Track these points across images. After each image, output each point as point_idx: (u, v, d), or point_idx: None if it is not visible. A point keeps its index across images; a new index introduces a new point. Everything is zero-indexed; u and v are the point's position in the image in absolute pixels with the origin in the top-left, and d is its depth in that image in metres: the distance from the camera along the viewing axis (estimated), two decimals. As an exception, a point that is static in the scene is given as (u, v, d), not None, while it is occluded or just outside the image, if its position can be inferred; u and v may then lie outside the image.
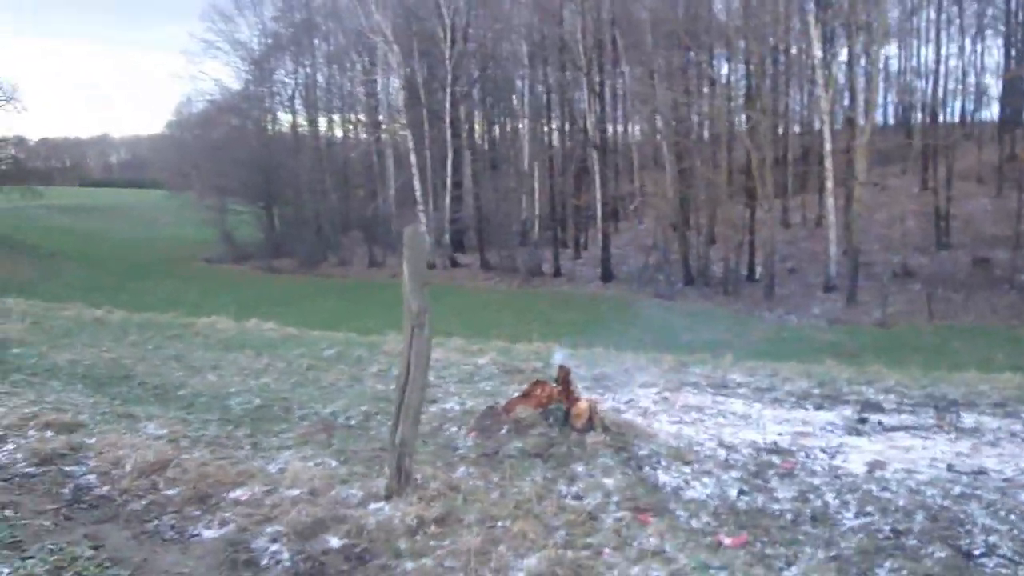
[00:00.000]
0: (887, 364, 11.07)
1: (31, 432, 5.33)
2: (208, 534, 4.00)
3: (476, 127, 58.30)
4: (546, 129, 54.31)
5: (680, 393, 8.29)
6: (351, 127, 65.14)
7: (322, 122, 66.08)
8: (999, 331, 28.81)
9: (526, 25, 51.47)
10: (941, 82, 44.61)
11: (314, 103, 65.25)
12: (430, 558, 3.63)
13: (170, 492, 4.45)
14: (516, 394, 6.99)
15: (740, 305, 35.12)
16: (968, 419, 7.54)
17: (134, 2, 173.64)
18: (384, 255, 53.16)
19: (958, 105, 49.11)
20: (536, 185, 49.07)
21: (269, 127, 68.21)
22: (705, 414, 7.39)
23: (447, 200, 50.54)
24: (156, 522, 4.14)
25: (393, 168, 54.88)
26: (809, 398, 8.45)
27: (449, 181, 50.39)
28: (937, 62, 43.93)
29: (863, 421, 7.26)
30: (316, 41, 63.55)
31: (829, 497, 5.00)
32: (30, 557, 3.57)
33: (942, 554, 4.12)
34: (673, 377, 9.24)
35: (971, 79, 47.12)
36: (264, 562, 3.70)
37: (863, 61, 37.73)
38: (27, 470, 4.76)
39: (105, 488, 4.55)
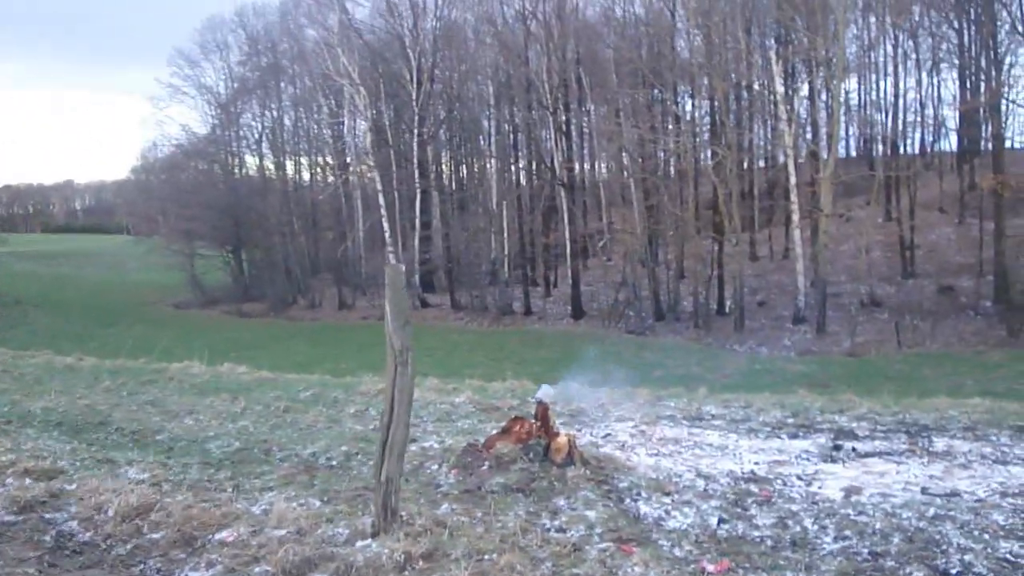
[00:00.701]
0: (858, 393, 11.22)
1: (9, 480, 5.30)
2: (195, 576, 4.01)
3: (444, 168, 58.63)
4: (513, 168, 54.71)
5: (656, 426, 8.36)
6: (319, 170, 65.29)
7: (289, 165, 66.19)
8: (967, 357, 29.18)
9: (491, 65, 52.09)
10: (900, 115, 45.66)
11: (281, 146, 65.37)
12: (419, 593, 3.66)
13: (155, 536, 4.45)
14: (494, 431, 7.04)
15: (711, 339, 35.36)
16: (939, 443, 7.67)
17: (96, 48, 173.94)
18: (354, 297, 53.08)
19: (918, 136, 50.20)
20: (505, 224, 49.32)
21: (237, 171, 68.19)
22: (682, 446, 7.46)
23: (416, 241, 50.66)
24: (142, 566, 4.14)
25: (361, 210, 55.01)
26: (783, 428, 8.55)
27: (418, 222, 50.53)
28: (896, 95, 45.00)
29: (838, 448, 7.37)
30: (283, 84, 63.76)
31: (807, 523, 5.08)
32: (16, 605, 3.56)
33: (920, 574, 4.21)
34: (649, 411, 9.31)
35: (929, 111, 48.25)
36: (253, 603, 3.72)
37: (824, 96, 38.55)
38: (7, 518, 4.73)
39: (88, 534, 4.54)
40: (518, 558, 3.90)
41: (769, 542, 4.74)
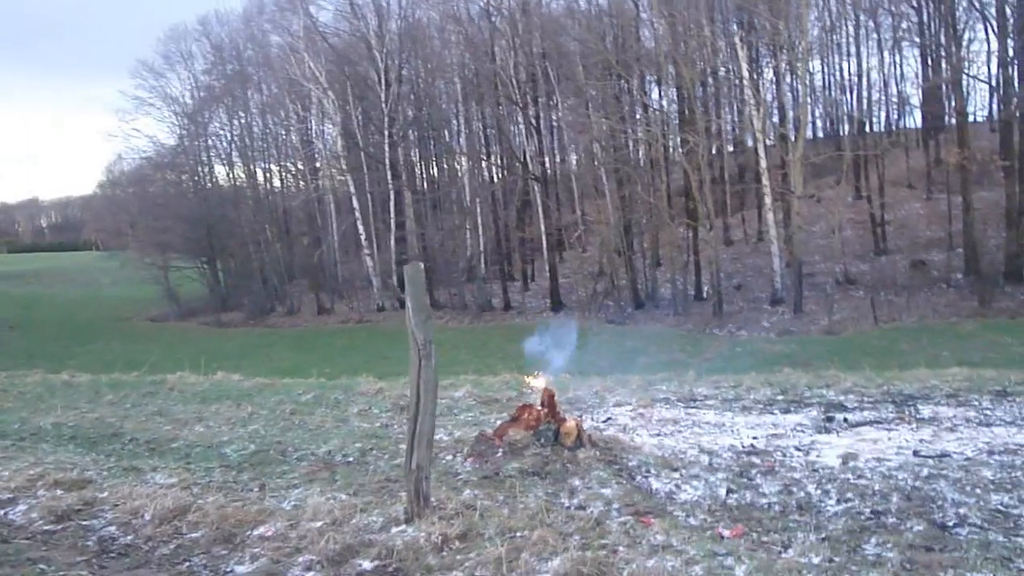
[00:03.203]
0: (839, 369, 11.57)
1: (40, 492, 5.47)
2: (241, 570, 4.21)
3: (416, 167, 58.66)
4: (486, 165, 54.85)
5: (653, 408, 8.64)
6: (290, 176, 65.08)
7: (260, 173, 65.86)
8: (942, 329, 29.74)
9: (458, 63, 52.13)
10: (865, 94, 46.22)
11: (251, 154, 64.98)
12: (460, 570, 3.89)
13: (195, 535, 4.65)
14: (499, 421, 7.29)
15: (691, 324, 35.71)
16: (925, 410, 8.01)
17: (56, 63, 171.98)
18: (332, 301, 53.02)
19: (883, 115, 50.81)
20: (480, 221, 49.45)
21: (207, 181, 67.76)
22: (681, 425, 7.74)
23: (392, 242, 50.63)
24: (187, 563, 4.34)
25: (335, 214, 54.92)
26: (775, 404, 8.85)
27: (393, 223, 50.48)
28: (859, 75, 45.52)
29: (830, 420, 7.68)
30: (249, 92, 63.39)
31: (811, 488, 5.37)
32: (79, 603, 3.76)
33: (920, 527, 4.49)
34: (643, 395, 9.57)
35: (892, 90, 48.88)
36: (303, 588, 3.94)
37: (789, 78, 38.98)
38: (46, 527, 4.91)
39: (129, 537, 4.72)
40: (548, 533, 4.14)
41: (777, 507, 5.02)
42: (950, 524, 4.60)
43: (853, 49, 46.56)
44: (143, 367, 14.77)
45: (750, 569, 3.66)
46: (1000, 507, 4.85)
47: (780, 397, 9.23)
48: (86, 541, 4.70)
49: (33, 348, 43.94)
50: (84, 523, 4.97)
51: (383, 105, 49.36)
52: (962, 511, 4.78)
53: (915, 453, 6.19)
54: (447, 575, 3.87)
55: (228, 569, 4.23)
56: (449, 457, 6.43)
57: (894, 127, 51.76)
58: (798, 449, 6.52)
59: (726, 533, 4.47)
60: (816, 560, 3.88)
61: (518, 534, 4.18)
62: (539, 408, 6.69)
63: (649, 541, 4.13)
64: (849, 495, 5.16)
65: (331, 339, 42.32)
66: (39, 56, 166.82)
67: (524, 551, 3.96)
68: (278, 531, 4.55)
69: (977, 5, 37.32)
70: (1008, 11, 35.34)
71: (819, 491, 5.30)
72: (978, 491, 5.15)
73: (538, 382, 7.20)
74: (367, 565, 4.06)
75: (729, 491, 5.39)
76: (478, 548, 4.04)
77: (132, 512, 4.99)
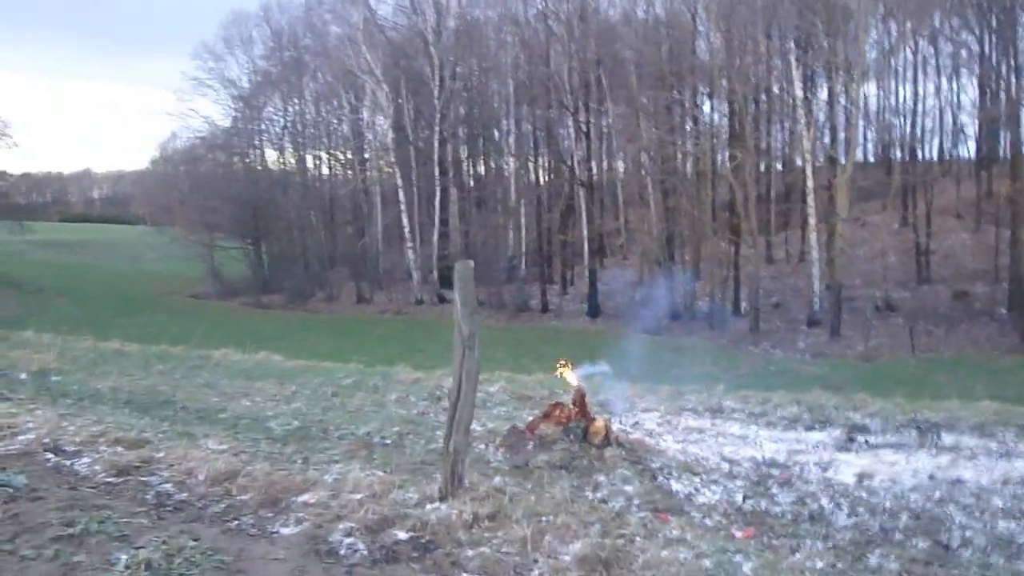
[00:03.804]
0: (871, 395, 11.70)
1: (102, 448, 5.87)
2: (286, 531, 4.56)
3: (463, 165, 59.15)
4: (532, 167, 55.18)
5: (680, 417, 8.91)
6: (338, 164, 65.92)
7: (309, 159, 66.81)
8: (980, 362, 29.54)
9: (512, 64, 52.51)
10: (919, 120, 45.92)
11: (302, 141, 65.94)
12: (488, 546, 4.20)
13: (244, 497, 5.01)
14: (531, 417, 7.63)
15: (726, 340, 35.78)
16: (948, 439, 8.18)
17: (117, 38, 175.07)
18: (372, 291, 53.65)
19: (936, 143, 50.42)
20: (523, 222, 49.84)
21: (257, 164, 68.83)
22: (706, 435, 8.00)
23: (435, 237, 51.14)
24: (237, 522, 4.69)
25: (380, 205, 55.50)
26: (800, 421, 9.06)
27: (437, 218, 51.01)
28: (915, 101, 45.27)
29: (851, 440, 7.90)
30: (305, 79, 64.31)
31: (824, 501, 5.62)
32: (141, 547, 4.12)
33: (924, 545, 4.75)
34: (672, 404, 9.84)
35: (948, 117, 48.49)
36: (343, 552, 4.27)
37: (843, 100, 38.84)
38: (109, 479, 5.30)
39: (183, 495, 5.10)
40: (571, 520, 4.45)
41: (789, 516, 5.29)
42: (954, 545, 4.84)
43: (910, 74, 46.36)
44: (188, 341, 15.27)
45: (756, 566, 3.93)
46: (1005, 533, 5.08)
47: (806, 415, 9.43)
48: (145, 495, 5.08)
49: (79, 316, 44.92)
50: (142, 479, 5.35)
51: (435, 101, 49.88)
52: (968, 534, 5.02)
53: (930, 477, 6.41)
54: (476, 550, 4.19)
55: (274, 530, 4.59)
56: (482, 447, 6.75)
57: (947, 155, 51.33)
58: (816, 465, 6.77)
59: (738, 534, 4.75)
60: (820, 564, 4.15)
61: (543, 518, 4.49)
62: (570, 407, 7.02)
63: (665, 535, 4.42)
64: (860, 510, 5.41)
65: (368, 328, 42.89)
66: (99, 30, 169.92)
67: (548, 534, 4.27)
68: (320, 499, 4.90)
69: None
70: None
71: (832, 504, 5.56)
72: (986, 517, 5.37)
73: (569, 374, 7.53)
74: (402, 535, 4.39)
75: (745, 497, 5.67)
76: (505, 528, 4.36)
77: (186, 472, 5.36)
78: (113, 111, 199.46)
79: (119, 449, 5.84)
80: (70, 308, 48.48)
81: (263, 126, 67.94)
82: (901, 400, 11.01)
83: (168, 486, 5.24)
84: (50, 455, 5.72)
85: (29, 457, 5.62)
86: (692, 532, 4.57)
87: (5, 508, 4.61)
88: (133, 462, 5.57)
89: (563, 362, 7.84)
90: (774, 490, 5.88)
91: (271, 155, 68.67)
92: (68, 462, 5.61)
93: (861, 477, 6.30)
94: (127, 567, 3.89)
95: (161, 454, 5.75)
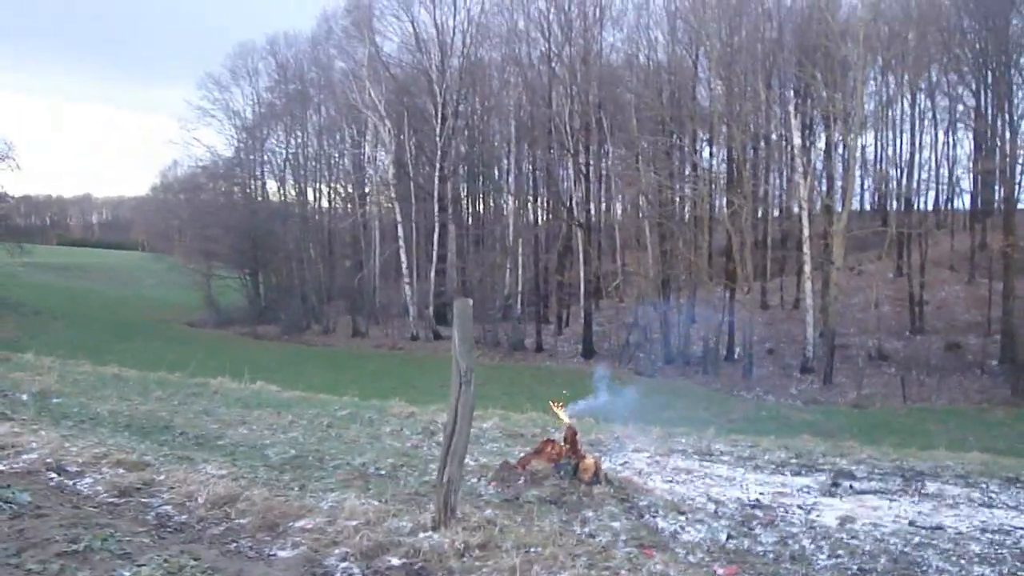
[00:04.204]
0: (861, 443, 11.85)
1: (104, 469, 6.03)
2: (283, 554, 4.71)
3: (462, 202, 59.56)
4: (531, 207, 55.58)
5: (670, 458, 9.06)
6: (339, 198, 66.32)
7: (310, 192, 67.26)
8: (971, 413, 29.71)
9: (515, 105, 53.08)
10: (915, 172, 46.43)
11: (303, 173, 66.41)
12: (478, 574, 4.36)
13: (242, 521, 5.16)
14: (522, 453, 7.79)
15: (719, 384, 35.92)
16: (932, 486, 8.34)
17: (122, 66, 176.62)
18: (367, 325, 53.77)
19: (932, 194, 50.93)
20: (520, 261, 50.10)
21: (258, 195, 69.24)
22: (694, 476, 8.15)
23: (432, 273, 51.37)
24: (235, 544, 4.85)
25: (379, 240, 55.79)
26: (787, 466, 9.21)
27: (435, 254, 51.28)
28: (912, 152, 45.80)
29: (836, 485, 8.05)
30: (308, 112, 64.96)
31: (805, 542, 5.78)
32: (143, 565, 4.27)
33: (901, 586, 4.90)
34: (662, 445, 9.99)
35: (944, 170, 49.06)
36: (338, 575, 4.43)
37: (840, 149, 39.33)
38: (111, 500, 5.46)
39: (183, 516, 5.25)
40: (559, 552, 4.60)
41: (771, 556, 5.44)
42: (930, 587, 5.00)
43: (908, 126, 46.94)
44: (185, 369, 15.39)
45: (736, 600, 4.09)
46: (980, 577, 5.24)
47: (794, 460, 9.58)
48: (146, 515, 5.23)
49: (76, 339, 44.98)
50: (143, 500, 5.51)
51: (437, 138, 50.36)
52: (943, 577, 5.17)
53: (911, 523, 6.56)
54: (466, 577, 4.35)
55: (271, 553, 4.74)
56: (474, 480, 6.91)
57: (942, 207, 51.84)
58: (800, 507, 6.92)
59: (720, 572, 4.90)
60: (798, 601, 4.31)
61: (532, 549, 4.64)
62: (561, 444, 7.20)
63: (649, 569, 4.57)
64: (840, 552, 5.57)
65: (363, 362, 42.97)
66: (107, 57, 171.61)
67: (536, 564, 4.42)
68: (317, 525, 5.05)
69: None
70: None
71: (813, 546, 5.71)
72: (963, 562, 5.52)
73: (562, 412, 7.71)
74: (396, 561, 4.54)
75: (729, 536, 5.82)
76: (495, 557, 4.51)
77: (186, 495, 5.52)
78: (115, 137, 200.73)
79: (120, 471, 6.00)
80: (68, 331, 48.56)
81: (265, 157, 68.59)
82: (889, 448, 11.15)
83: (168, 508, 5.40)
84: (53, 475, 5.89)
85: (33, 476, 5.78)
86: (676, 567, 4.71)
87: (11, 524, 4.77)
88: (134, 484, 5.73)
89: (558, 402, 8.01)
90: (757, 530, 6.04)
91: (272, 186, 69.22)
92: (71, 482, 5.77)
93: (843, 520, 6.45)
94: (130, 583, 4.04)
95: (162, 477, 5.91)
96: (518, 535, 4.86)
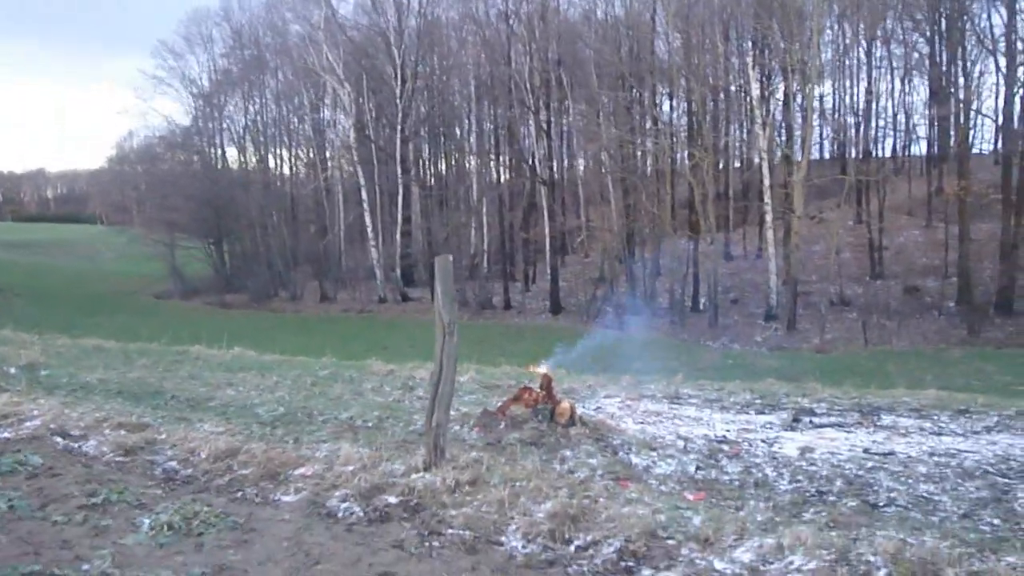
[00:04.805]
0: (824, 385, 12.37)
1: (107, 431, 6.35)
2: (287, 499, 5.09)
3: (425, 163, 59.56)
4: (494, 165, 55.75)
5: (640, 402, 9.51)
6: (300, 164, 66.06)
7: (271, 158, 66.88)
8: (930, 354, 30.52)
9: (474, 63, 53.00)
10: (873, 120, 47.14)
11: (263, 139, 65.98)
12: (469, 507, 4.76)
13: (245, 472, 5.52)
14: (499, 402, 8.20)
15: (686, 335, 36.57)
16: (887, 419, 8.86)
17: (74, 37, 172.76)
18: (335, 290, 53.89)
19: (889, 142, 51.74)
20: (485, 220, 50.38)
21: (218, 163, 68.73)
22: (663, 417, 8.61)
23: (397, 235, 51.56)
24: (241, 492, 5.21)
25: (342, 204, 55.75)
26: (751, 406, 9.70)
27: (399, 217, 51.43)
28: (868, 101, 46.43)
29: (797, 420, 8.55)
30: (265, 78, 64.38)
31: (768, 471, 6.25)
32: (160, 513, 4.62)
33: (853, 503, 5.38)
34: (632, 391, 10.44)
35: (901, 117, 49.83)
36: (341, 514, 4.81)
37: (799, 99, 39.84)
38: (118, 459, 5.80)
39: (188, 471, 5.61)
40: (542, 484, 5.01)
41: (736, 483, 5.91)
42: (880, 504, 5.47)
43: (864, 75, 47.54)
44: (160, 340, 15.61)
45: (704, 519, 4.52)
46: (925, 494, 5.73)
47: (758, 401, 10.06)
48: (153, 471, 5.58)
49: (39, 317, 44.67)
50: (148, 458, 5.85)
51: (397, 100, 50.26)
52: (892, 495, 5.66)
53: (865, 450, 7.06)
54: (459, 510, 4.74)
55: (276, 498, 5.11)
56: (458, 427, 7.30)
57: (899, 154, 52.71)
58: (764, 441, 7.40)
59: (689, 496, 5.35)
60: (760, 518, 4.74)
61: (517, 484, 5.04)
62: (538, 390, 7.61)
63: (625, 497, 4.99)
64: (800, 478, 6.04)
65: (332, 327, 43.16)
66: (57, 29, 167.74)
67: (522, 496, 4.83)
68: (316, 472, 5.43)
69: (986, 43, 38.19)
70: (1018, 47, 36.05)
71: (775, 473, 6.18)
72: (910, 481, 6.02)
73: (540, 369, 8.13)
74: (392, 500, 4.94)
75: (698, 468, 6.28)
76: (484, 491, 4.92)
77: (189, 451, 5.87)
78: (68, 110, 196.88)
79: (123, 432, 6.33)
80: (30, 308, 48.12)
81: (224, 125, 68.06)
82: (849, 388, 11.66)
83: (174, 463, 5.75)
84: (58, 439, 6.21)
85: (39, 441, 6.10)
86: (649, 495, 5.15)
87: (28, 483, 5.11)
88: (138, 443, 6.07)
89: (538, 364, 8.43)
90: (724, 462, 6.49)
91: (232, 154, 68.82)
92: (76, 444, 6.10)
93: (803, 451, 6.92)
94: (151, 528, 4.40)
95: (163, 436, 6.25)
96: (504, 472, 5.27)
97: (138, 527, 4.43)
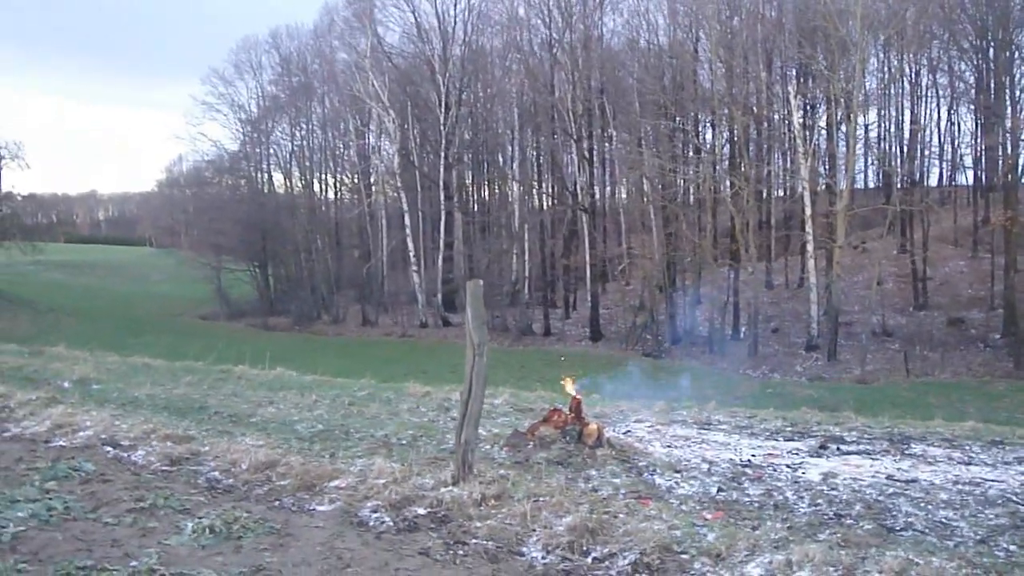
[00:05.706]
0: (861, 416, 12.36)
1: (154, 442, 6.70)
2: (322, 508, 5.37)
3: (468, 190, 60.12)
4: (536, 192, 56.09)
5: (669, 427, 9.67)
6: (345, 189, 66.96)
7: (316, 183, 67.88)
8: (973, 387, 30.14)
9: (517, 91, 53.52)
10: (918, 149, 46.70)
11: (309, 165, 67.02)
12: (494, 519, 5.00)
13: (283, 483, 5.81)
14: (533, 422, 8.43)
15: (725, 364, 36.42)
16: (916, 448, 8.90)
17: (126, 63, 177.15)
18: (376, 314, 54.46)
19: (935, 171, 51.20)
20: (527, 247, 50.68)
21: (264, 187, 69.88)
22: (691, 442, 8.76)
23: (439, 261, 52.04)
24: (279, 501, 5.50)
25: (386, 229, 56.43)
26: (781, 433, 9.79)
27: (442, 242, 51.95)
28: (914, 130, 46.05)
29: (824, 447, 8.64)
30: (312, 104, 65.51)
31: (788, 494, 6.39)
32: (202, 517, 4.92)
33: (869, 526, 5.51)
34: (663, 416, 10.58)
35: (947, 146, 49.35)
36: (372, 523, 5.08)
37: (842, 129, 39.71)
38: (164, 468, 6.13)
39: (230, 480, 5.92)
40: (565, 499, 5.23)
41: (756, 504, 6.06)
42: (897, 528, 5.60)
43: (909, 104, 47.23)
44: (206, 359, 16.04)
45: (719, 536, 4.70)
46: (943, 520, 5.83)
47: (788, 428, 10.13)
48: (197, 480, 5.90)
49: (89, 335, 45.72)
50: (192, 468, 6.17)
51: (441, 127, 50.92)
52: (910, 520, 5.77)
53: (888, 477, 7.16)
54: (484, 522, 4.97)
55: (311, 507, 5.39)
56: (487, 447, 7.54)
57: (945, 184, 52.13)
58: (788, 466, 7.52)
59: (707, 515, 5.52)
60: (774, 536, 4.90)
61: (541, 499, 5.27)
62: (567, 412, 7.84)
63: (644, 514, 5.19)
64: (819, 501, 6.18)
65: (373, 350, 43.64)
66: (110, 55, 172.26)
67: (544, 510, 5.06)
68: (350, 484, 5.71)
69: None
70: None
71: (795, 496, 6.32)
72: (930, 507, 6.12)
73: (569, 386, 8.34)
74: (421, 511, 5.19)
75: (719, 489, 6.44)
76: (509, 505, 5.15)
77: (231, 463, 6.18)
78: (120, 134, 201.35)
79: (169, 444, 6.67)
80: (81, 328, 49.34)
81: (271, 150, 69.29)
82: (884, 419, 11.66)
83: (216, 473, 6.06)
84: (109, 448, 6.56)
85: (91, 450, 6.46)
86: (668, 512, 5.33)
87: (82, 488, 5.44)
88: (183, 454, 6.40)
89: (567, 378, 8.64)
90: (746, 484, 6.64)
91: (278, 179, 69.95)
92: (126, 454, 6.44)
93: (826, 476, 7.04)
94: (194, 531, 4.69)
95: (206, 448, 6.57)
96: (528, 488, 5.50)
97: (182, 530, 4.73)
